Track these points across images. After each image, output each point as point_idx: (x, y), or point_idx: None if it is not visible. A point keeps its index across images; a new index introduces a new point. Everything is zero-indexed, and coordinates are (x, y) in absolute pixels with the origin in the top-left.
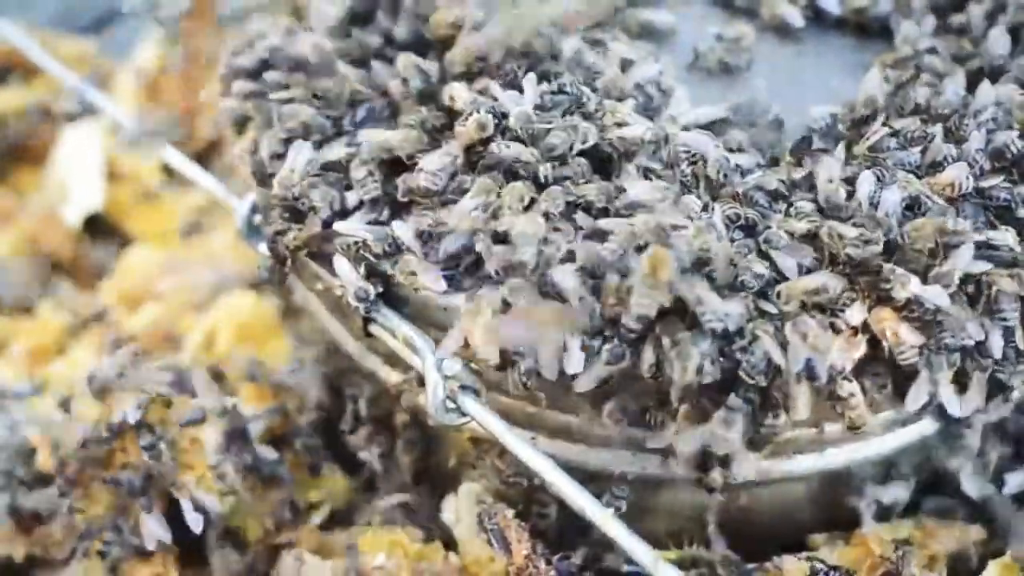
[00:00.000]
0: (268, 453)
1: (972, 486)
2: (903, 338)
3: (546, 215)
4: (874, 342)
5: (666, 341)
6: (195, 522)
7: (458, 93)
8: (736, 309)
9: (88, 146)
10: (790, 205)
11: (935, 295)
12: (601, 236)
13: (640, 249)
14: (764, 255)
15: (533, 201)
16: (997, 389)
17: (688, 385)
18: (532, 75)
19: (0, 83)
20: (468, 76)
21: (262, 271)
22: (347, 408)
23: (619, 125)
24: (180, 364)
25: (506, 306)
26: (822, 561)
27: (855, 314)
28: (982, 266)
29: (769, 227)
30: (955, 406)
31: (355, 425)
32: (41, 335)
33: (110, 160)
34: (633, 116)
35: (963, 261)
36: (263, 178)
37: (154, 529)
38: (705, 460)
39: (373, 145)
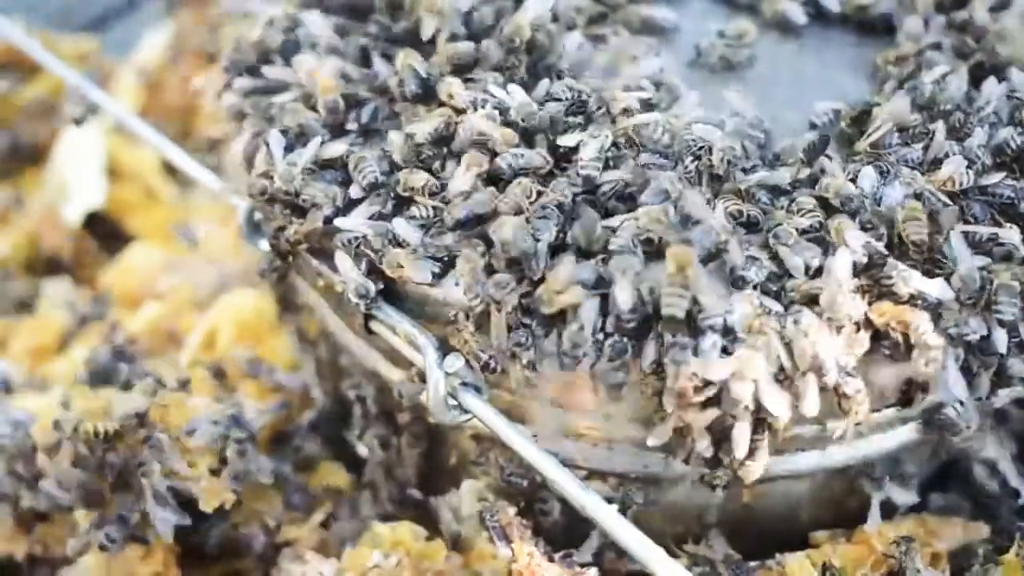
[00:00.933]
0: (267, 463)
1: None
2: (913, 322)
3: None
4: (875, 337)
5: (668, 339)
6: (163, 523)
7: (456, 90)
8: (742, 309)
9: (89, 144)
10: (792, 201)
11: (938, 290)
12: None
13: (647, 243)
14: (768, 250)
15: (540, 194)
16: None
17: (681, 391)
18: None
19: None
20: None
21: (263, 269)
22: (348, 405)
23: (627, 113)
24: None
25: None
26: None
27: (856, 309)
28: (979, 260)
29: (780, 224)
30: (961, 390)
31: (356, 422)
32: (41, 334)
33: (111, 158)
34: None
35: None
36: (263, 175)
37: (163, 516)
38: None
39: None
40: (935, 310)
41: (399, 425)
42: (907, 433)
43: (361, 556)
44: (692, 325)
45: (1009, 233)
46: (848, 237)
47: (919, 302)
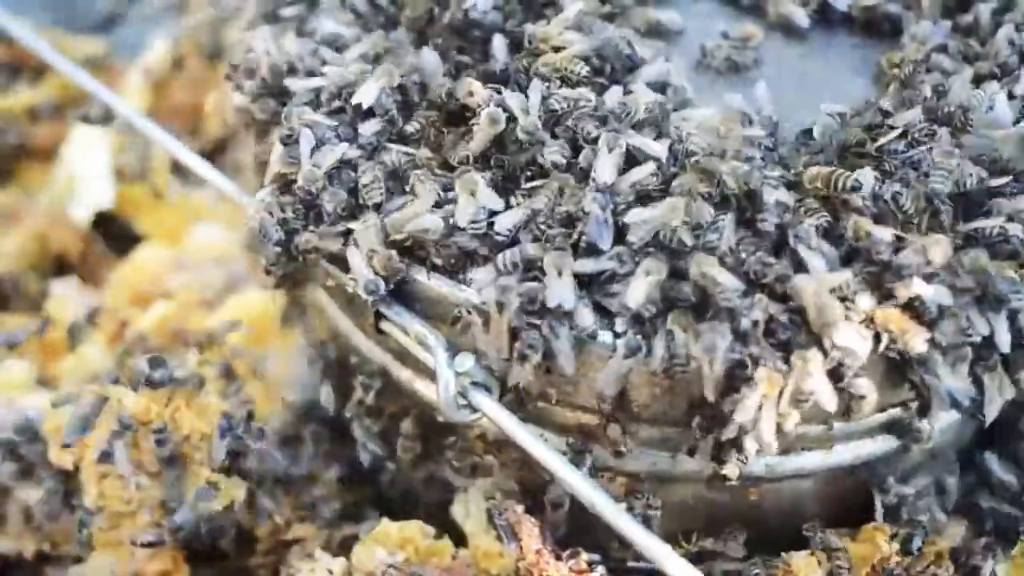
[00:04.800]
0: (281, 462)
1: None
2: (906, 329)
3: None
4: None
5: (679, 334)
6: None
7: (476, 88)
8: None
9: (97, 144)
10: (800, 202)
11: (938, 295)
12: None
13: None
14: (778, 250)
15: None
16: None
17: (719, 378)
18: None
19: (9, 82)
20: None
21: (273, 268)
22: (357, 404)
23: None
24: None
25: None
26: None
27: (864, 303)
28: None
29: (800, 222)
30: (963, 397)
31: (364, 421)
32: (51, 332)
33: (118, 158)
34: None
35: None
36: (278, 177)
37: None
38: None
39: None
40: (936, 315)
41: (408, 424)
42: None
43: (369, 554)
44: (707, 314)
45: (1015, 227)
46: (872, 231)
47: (919, 304)
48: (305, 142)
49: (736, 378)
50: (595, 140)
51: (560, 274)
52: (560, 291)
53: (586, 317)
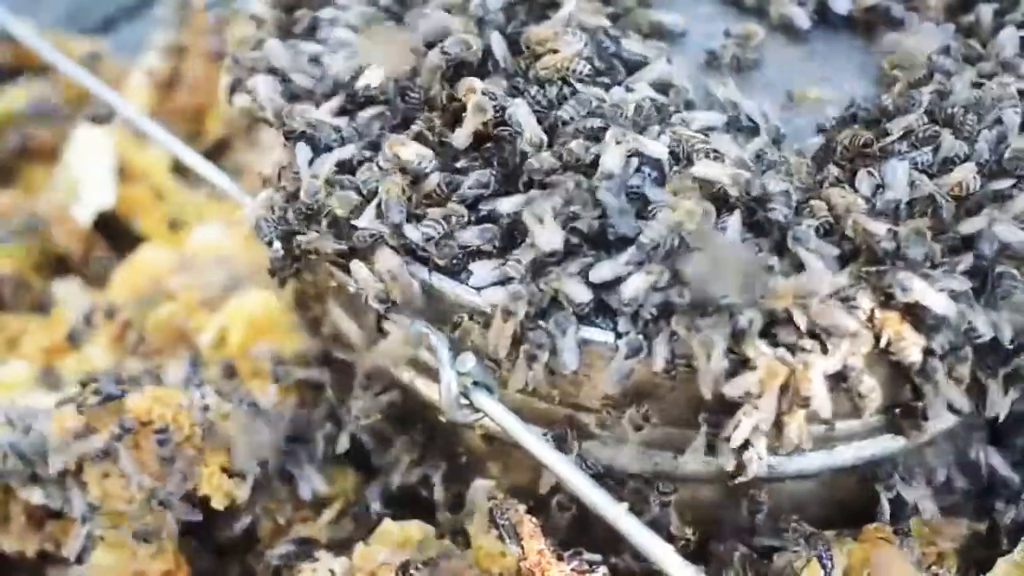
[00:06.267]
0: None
1: None
2: (902, 334)
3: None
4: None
5: (683, 332)
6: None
7: (478, 85)
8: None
9: (99, 145)
10: (804, 202)
11: (941, 305)
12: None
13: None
14: (780, 252)
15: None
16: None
17: (717, 375)
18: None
19: (11, 82)
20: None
21: (273, 267)
22: (360, 404)
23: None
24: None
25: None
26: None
27: (864, 303)
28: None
29: (799, 223)
30: (962, 406)
31: (368, 421)
32: (53, 333)
33: (121, 159)
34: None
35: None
36: (280, 171)
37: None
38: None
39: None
40: (937, 323)
41: (410, 424)
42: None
43: (371, 554)
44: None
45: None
46: (868, 227)
47: (920, 311)
48: (301, 154)
49: (734, 375)
50: (602, 131)
51: (542, 221)
52: (549, 236)
53: (581, 293)
